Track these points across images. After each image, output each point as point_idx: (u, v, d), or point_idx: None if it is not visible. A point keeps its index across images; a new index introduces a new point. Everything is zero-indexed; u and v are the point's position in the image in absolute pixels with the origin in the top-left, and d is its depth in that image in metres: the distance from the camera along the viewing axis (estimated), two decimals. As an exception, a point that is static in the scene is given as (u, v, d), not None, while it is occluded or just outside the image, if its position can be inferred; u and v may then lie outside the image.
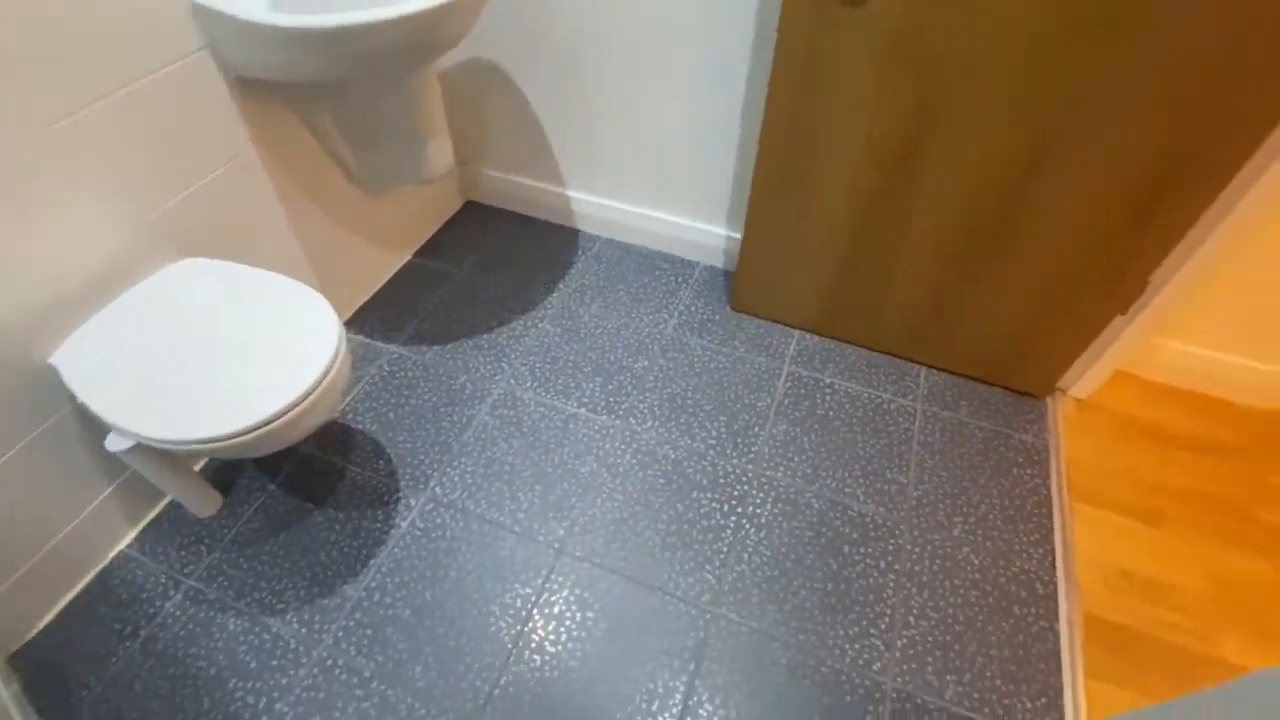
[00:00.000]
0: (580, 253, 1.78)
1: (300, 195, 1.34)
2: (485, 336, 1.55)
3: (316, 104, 1.26)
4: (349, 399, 1.41)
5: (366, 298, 1.63)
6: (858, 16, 1.04)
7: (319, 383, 0.91)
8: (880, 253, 1.35)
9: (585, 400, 1.42)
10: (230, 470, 1.29)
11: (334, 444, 1.34)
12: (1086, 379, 1.41)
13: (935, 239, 1.28)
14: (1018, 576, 1.17)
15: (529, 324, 1.59)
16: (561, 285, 1.69)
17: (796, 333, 1.59)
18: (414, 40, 1.05)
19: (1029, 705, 1.03)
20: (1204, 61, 0.92)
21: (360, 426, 1.37)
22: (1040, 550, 1.20)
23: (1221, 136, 0.98)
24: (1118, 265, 1.19)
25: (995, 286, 1.30)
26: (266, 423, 0.87)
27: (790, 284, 1.51)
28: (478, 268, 1.73)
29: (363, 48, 1.00)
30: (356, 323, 1.57)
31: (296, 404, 0.88)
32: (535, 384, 1.45)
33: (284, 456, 1.31)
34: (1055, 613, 1.13)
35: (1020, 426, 1.40)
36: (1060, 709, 1.03)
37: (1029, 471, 1.32)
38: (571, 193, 1.79)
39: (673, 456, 1.33)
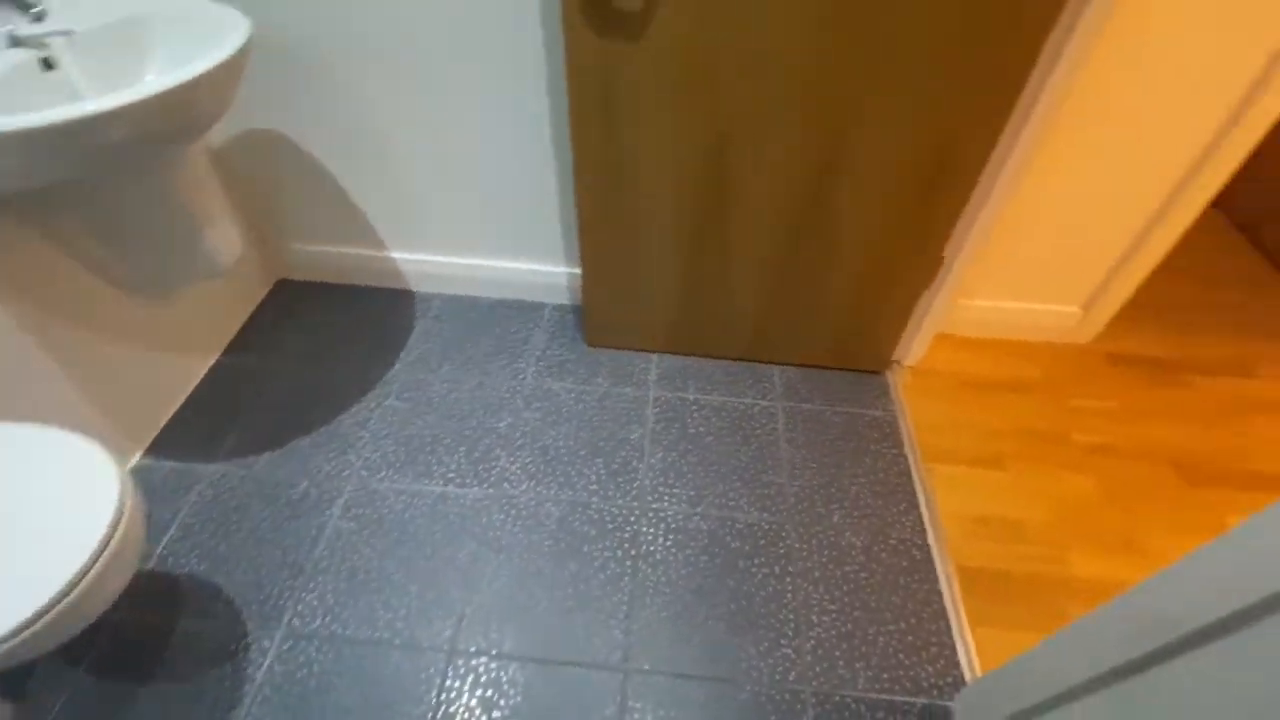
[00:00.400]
0: (418, 315, 1.67)
1: (53, 320, 1.12)
2: (324, 429, 1.40)
3: (51, 210, 1.06)
4: (164, 541, 1.20)
5: (169, 416, 1.40)
6: (641, 50, 1.05)
7: (100, 553, 0.75)
8: (713, 267, 1.38)
9: (451, 476, 1.32)
10: (17, 669, 1.04)
11: (153, 600, 1.13)
12: (914, 348, 1.54)
13: (758, 247, 1.33)
14: (896, 548, 1.24)
15: (373, 404, 1.45)
16: (403, 354, 1.57)
17: (655, 356, 1.59)
18: (151, 132, 0.91)
19: (930, 670, 1.09)
20: (945, 63, 1.03)
21: (185, 570, 1.17)
22: (909, 518, 1.29)
23: (974, 121, 1.10)
24: (917, 245, 1.30)
25: (820, 280, 1.38)
26: (31, 623, 0.70)
27: (638, 310, 1.51)
28: (302, 353, 1.56)
29: (81, 146, 0.85)
30: (161, 448, 1.35)
31: (71, 589, 0.72)
32: (391, 471, 1.32)
33: (88, 633, 1.08)
34: (934, 574, 1.20)
35: (870, 404, 1.50)
36: (958, 665, 1.09)
37: (885, 445, 1.42)
38: (396, 254, 1.67)
39: (556, 514, 1.27)
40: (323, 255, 1.68)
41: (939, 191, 1.21)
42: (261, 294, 1.70)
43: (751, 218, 1.28)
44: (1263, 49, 1.09)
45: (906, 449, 1.41)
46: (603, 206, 1.30)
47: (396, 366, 1.54)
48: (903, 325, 1.48)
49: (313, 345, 1.58)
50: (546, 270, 1.65)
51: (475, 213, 1.54)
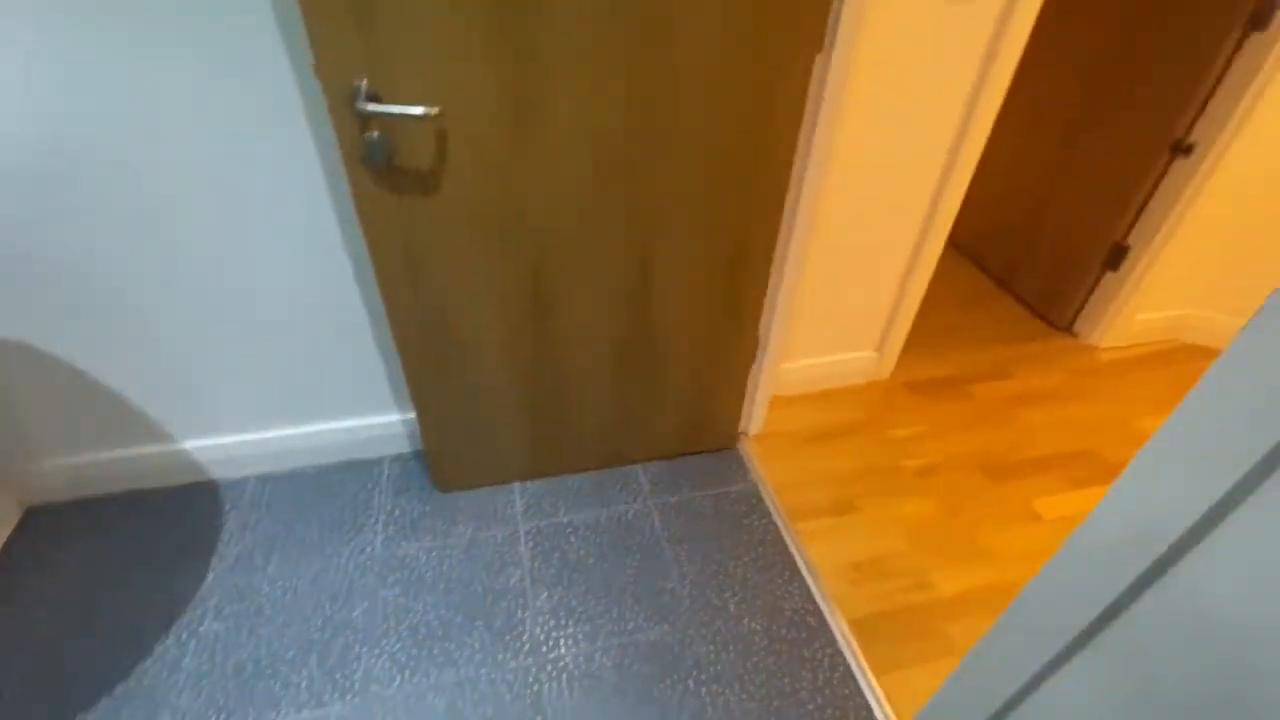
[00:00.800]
0: (228, 508, 1.43)
1: None
2: (120, 689, 1.11)
3: None
4: None
5: None
6: (438, 201, 1.05)
7: None
8: (552, 385, 1.37)
9: (304, 698, 1.11)
10: None
11: None
12: (755, 417, 1.65)
13: (591, 358, 1.35)
14: (792, 619, 1.27)
15: (184, 635, 1.19)
16: (215, 560, 1.32)
17: (517, 485, 1.52)
18: None
19: (856, 737, 1.10)
20: (721, 178, 1.15)
21: None
22: (795, 585, 1.33)
23: (756, 219, 1.24)
24: (735, 327, 1.41)
25: (657, 377, 1.43)
26: None
27: (488, 444, 1.43)
28: (74, 595, 1.24)
29: None
30: None
31: None
32: (223, 716, 1.08)
33: None
34: (831, 635, 1.25)
35: (730, 479, 1.55)
36: (876, 722, 1.12)
37: (755, 516, 1.47)
38: (188, 444, 1.43)
39: (442, 704, 1.11)
40: (87, 466, 1.39)
41: (743, 281, 1.33)
42: (5, 533, 1.35)
43: (579, 333, 1.30)
44: (955, 113, 1.38)
45: (774, 515, 1.47)
46: (426, 349, 1.24)
47: (209, 578, 1.29)
48: (741, 399, 1.57)
49: (88, 581, 1.27)
50: (377, 421, 1.52)
51: (279, 378, 1.38)
